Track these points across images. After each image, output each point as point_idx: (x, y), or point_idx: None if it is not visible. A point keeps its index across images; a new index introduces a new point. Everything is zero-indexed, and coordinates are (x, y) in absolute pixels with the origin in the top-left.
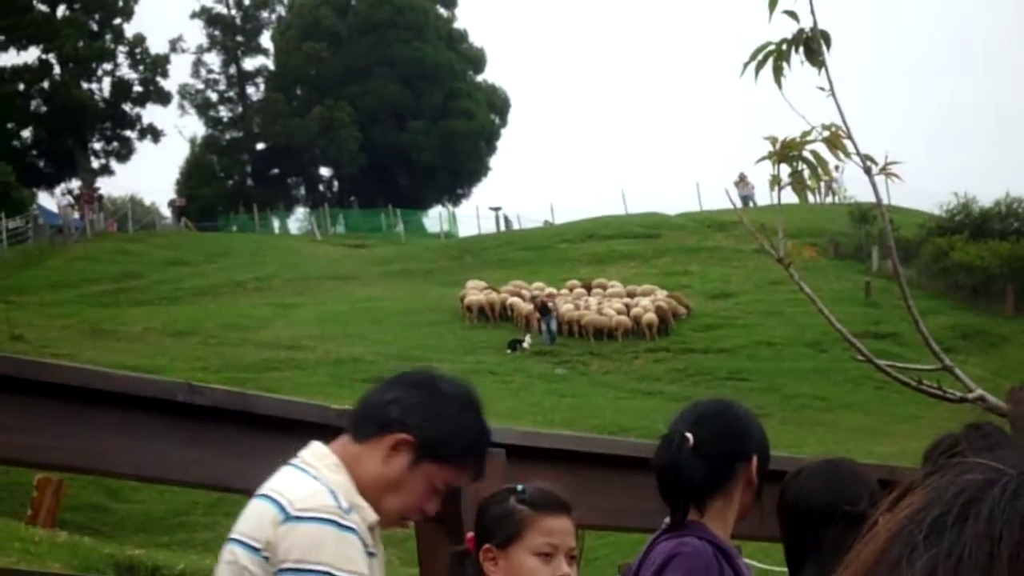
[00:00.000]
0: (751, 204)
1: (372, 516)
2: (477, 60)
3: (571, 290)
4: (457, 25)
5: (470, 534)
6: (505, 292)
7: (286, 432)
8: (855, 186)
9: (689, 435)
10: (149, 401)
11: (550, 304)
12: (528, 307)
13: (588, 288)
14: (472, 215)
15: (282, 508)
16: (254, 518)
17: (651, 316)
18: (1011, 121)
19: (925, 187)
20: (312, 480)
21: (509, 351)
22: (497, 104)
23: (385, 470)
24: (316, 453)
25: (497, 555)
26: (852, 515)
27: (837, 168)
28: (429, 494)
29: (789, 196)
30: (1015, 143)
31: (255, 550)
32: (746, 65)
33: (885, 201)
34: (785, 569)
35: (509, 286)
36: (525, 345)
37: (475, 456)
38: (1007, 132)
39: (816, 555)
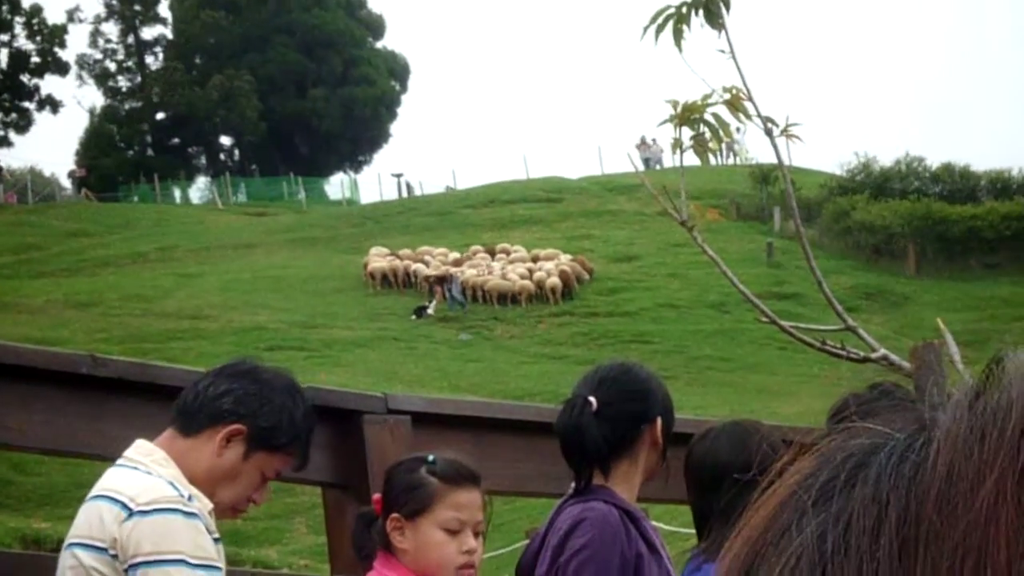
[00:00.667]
0: (659, 166)
1: (209, 503)
2: (376, 27)
3: (474, 255)
4: None
5: (377, 496)
6: (410, 259)
7: None
8: (757, 147)
9: (592, 399)
10: (53, 374)
11: (448, 274)
12: (432, 273)
13: (492, 253)
14: (374, 182)
15: (124, 505)
16: (94, 519)
17: (555, 280)
18: (911, 82)
19: (826, 148)
20: (145, 475)
21: (414, 317)
22: (397, 71)
23: (219, 462)
24: (142, 450)
25: (404, 525)
26: (756, 476)
27: (738, 130)
28: (259, 483)
29: (691, 159)
30: (915, 103)
31: (100, 550)
32: (646, 28)
33: (786, 162)
34: (692, 530)
35: (415, 252)
36: (430, 311)
37: (304, 443)
38: (907, 93)
39: (721, 516)
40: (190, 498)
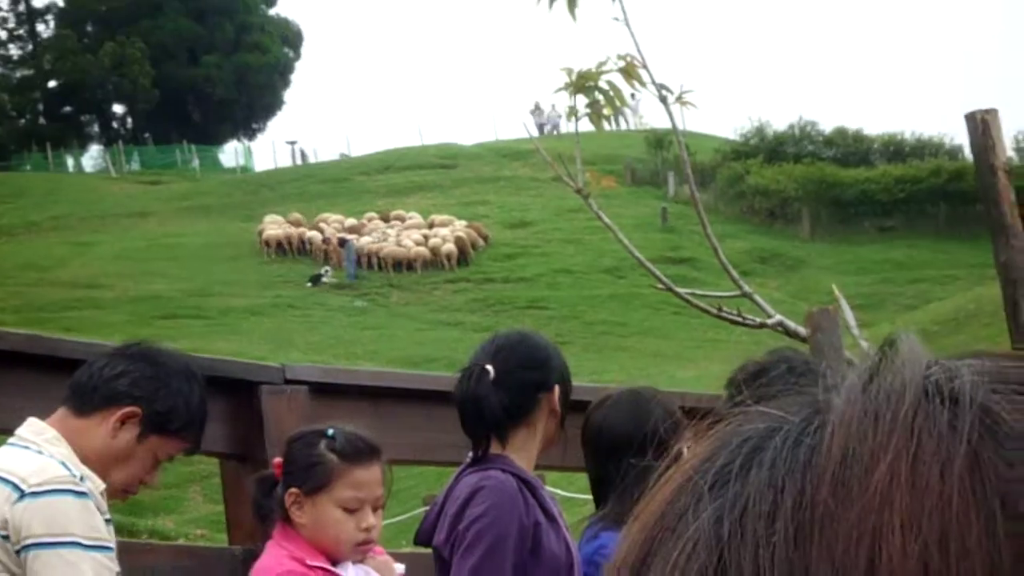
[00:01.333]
0: (555, 132)
1: (101, 484)
2: None
3: (369, 222)
4: None
5: (277, 460)
6: (306, 226)
7: None
8: (650, 112)
9: (489, 367)
10: None
11: (349, 238)
12: (321, 237)
13: (386, 220)
14: (268, 150)
15: (15, 486)
16: None
17: (450, 247)
18: (804, 47)
19: (721, 113)
20: (37, 455)
21: (310, 284)
22: (291, 38)
23: (112, 443)
24: (34, 429)
25: (303, 501)
26: (653, 444)
27: (633, 96)
28: (152, 466)
29: (587, 125)
30: (807, 68)
31: None
32: None
33: (681, 128)
34: (588, 496)
35: (310, 221)
36: (325, 279)
37: (198, 428)
38: (800, 58)
39: (623, 488)
40: (82, 478)
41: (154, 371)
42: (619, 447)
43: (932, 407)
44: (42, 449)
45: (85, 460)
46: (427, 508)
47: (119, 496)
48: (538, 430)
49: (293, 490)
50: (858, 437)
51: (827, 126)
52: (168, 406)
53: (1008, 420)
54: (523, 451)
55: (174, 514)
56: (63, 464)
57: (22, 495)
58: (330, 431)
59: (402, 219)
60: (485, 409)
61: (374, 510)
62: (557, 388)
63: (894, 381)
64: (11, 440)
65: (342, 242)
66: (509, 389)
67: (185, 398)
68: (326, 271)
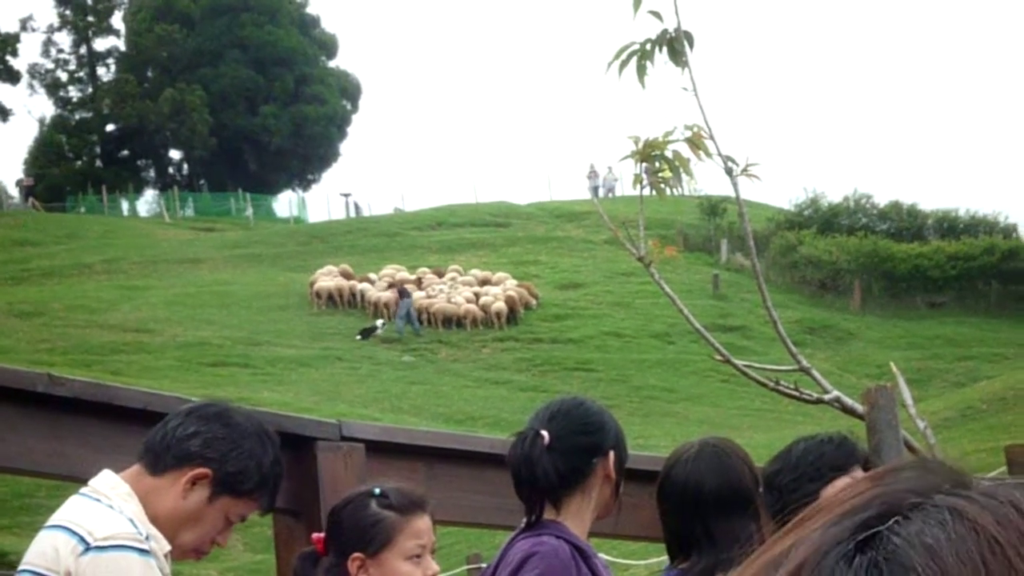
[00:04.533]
0: (611, 195)
1: (167, 546)
2: (330, 46)
3: (422, 276)
4: (310, 10)
5: (317, 535)
6: (357, 278)
7: (146, 424)
8: (705, 178)
9: (544, 432)
10: (8, 391)
11: (409, 288)
12: (383, 294)
13: (440, 275)
14: (322, 201)
15: (81, 539)
16: (49, 549)
17: (500, 305)
18: (861, 120)
19: (776, 182)
20: (107, 509)
21: (359, 338)
22: (349, 90)
23: (183, 504)
24: (108, 483)
25: (368, 563)
26: (739, 499)
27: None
28: (223, 526)
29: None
30: (864, 142)
31: None
32: (610, 64)
33: (734, 195)
34: (635, 562)
35: (362, 274)
36: (378, 331)
37: (270, 489)
38: (857, 131)
39: (709, 543)
40: (147, 537)
41: (226, 432)
42: (704, 502)
43: None
44: (113, 504)
45: (155, 519)
46: (470, 567)
47: (191, 556)
48: (592, 496)
49: (356, 555)
50: None
51: (882, 199)
52: (240, 467)
53: None
54: (577, 517)
55: (215, 563)
56: (131, 521)
57: (87, 548)
58: (376, 490)
59: (458, 273)
60: (539, 474)
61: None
62: (612, 454)
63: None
64: (84, 490)
65: (402, 293)
66: (563, 454)
67: (257, 460)
68: (381, 323)
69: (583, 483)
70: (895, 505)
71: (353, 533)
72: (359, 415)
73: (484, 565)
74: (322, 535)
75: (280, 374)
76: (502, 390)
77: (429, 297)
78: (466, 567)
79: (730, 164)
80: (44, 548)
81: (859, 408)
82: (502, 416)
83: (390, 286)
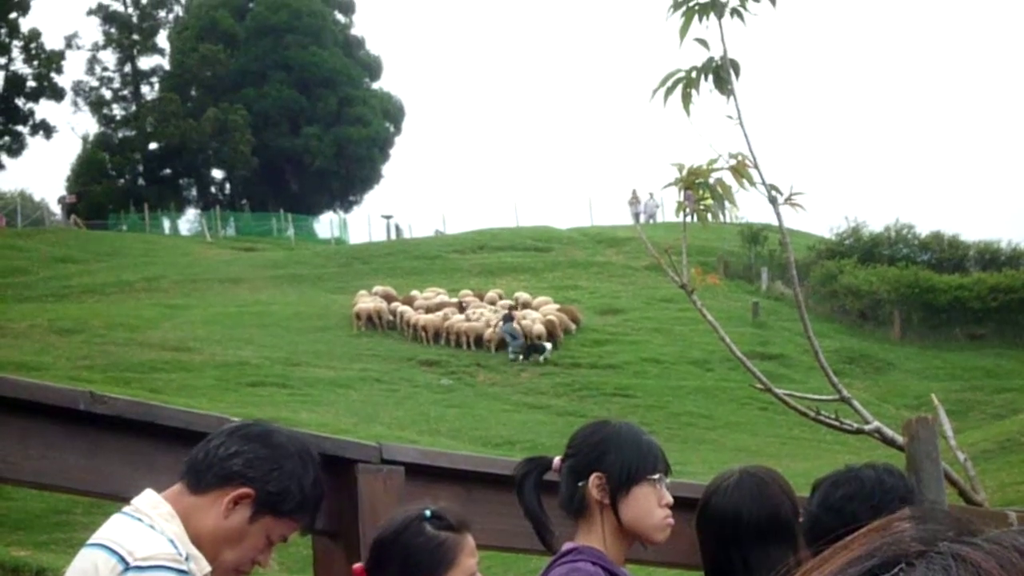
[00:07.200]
0: (652, 221)
1: (207, 567)
2: (373, 67)
3: (463, 299)
4: (354, 32)
5: (358, 566)
6: (398, 300)
7: (187, 443)
8: (746, 205)
9: (556, 458)
10: (50, 409)
11: (510, 313)
12: (423, 317)
13: (482, 298)
14: (364, 222)
15: (121, 558)
16: (89, 567)
17: (539, 329)
18: (904, 150)
19: (816, 210)
20: (148, 529)
21: (521, 358)
22: (392, 112)
23: (224, 523)
24: (150, 502)
25: None
26: (777, 529)
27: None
28: (265, 546)
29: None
30: (906, 171)
31: None
32: (655, 91)
33: (775, 223)
34: None
35: (404, 295)
36: (547, 354)
37: (312, 510)
38: (900, 161)
39: (746, 572)
40: (187, 558)
41: (268, 452)
42: (743, 532)
43: None
44: (154, 524)
45: (197, 538)
46: None
47: None
48: (597, 520)
49: None
50: None
51: (923, 230)
52: (281, 487)
53: None
54: (600, 542)
55: None
56: (171, 542)
57: (127, 568)
58: (427, 512)
59: (500, 297)
60: (561, 498)
61: None
62: (595, 476)
63: None
64: (125, 509)
65: (506, 318)
66: (562, 478)
67: (299, 480)
68: (550, 348)
69: (581, 507)
70: (900, 553)
71: (417, 558)
72: (396, 437)
73: None
74: (361, 565)
75: (318, 395)
76: (540, 415)
77: (469, 321)
78: None
79: (774, 193)
80: (84, 566)
81: (899, 439)
82: (539, 441)
83: (435, 308)
